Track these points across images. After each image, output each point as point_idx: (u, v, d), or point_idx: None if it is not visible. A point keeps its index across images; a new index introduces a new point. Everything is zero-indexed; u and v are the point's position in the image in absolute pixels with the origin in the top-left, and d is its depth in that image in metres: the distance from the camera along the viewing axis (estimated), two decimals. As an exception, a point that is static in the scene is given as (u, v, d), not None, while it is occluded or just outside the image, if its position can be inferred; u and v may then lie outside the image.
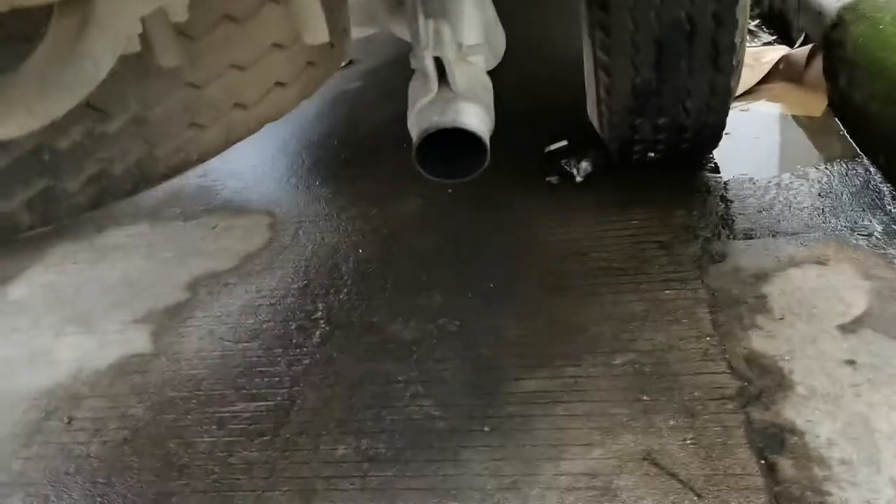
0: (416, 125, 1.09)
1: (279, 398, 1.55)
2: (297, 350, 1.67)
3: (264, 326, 1.77)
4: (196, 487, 1.38)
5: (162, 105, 1.07)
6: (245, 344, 1.73)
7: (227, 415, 1.53)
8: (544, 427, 1.36)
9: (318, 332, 1.71)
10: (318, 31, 1.17)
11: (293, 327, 1.74)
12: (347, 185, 2.32)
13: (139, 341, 1.81)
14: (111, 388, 1.68)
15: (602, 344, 1.51)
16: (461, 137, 1.07)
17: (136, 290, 2.01)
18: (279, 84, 1.27)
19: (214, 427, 1.51)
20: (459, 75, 1.12)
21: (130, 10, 0.82)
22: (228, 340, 1.75)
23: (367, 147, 2.53)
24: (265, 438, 1.46)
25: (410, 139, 1.20)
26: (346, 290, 1.83)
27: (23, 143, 0.94)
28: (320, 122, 2.77)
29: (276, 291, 1.88)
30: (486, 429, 1.38)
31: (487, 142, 1.07)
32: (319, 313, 1.77)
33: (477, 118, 1.07)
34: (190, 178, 2.47)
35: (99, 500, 1.40)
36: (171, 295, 1.95)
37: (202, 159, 1.17)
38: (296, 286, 1.89)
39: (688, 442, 1.27)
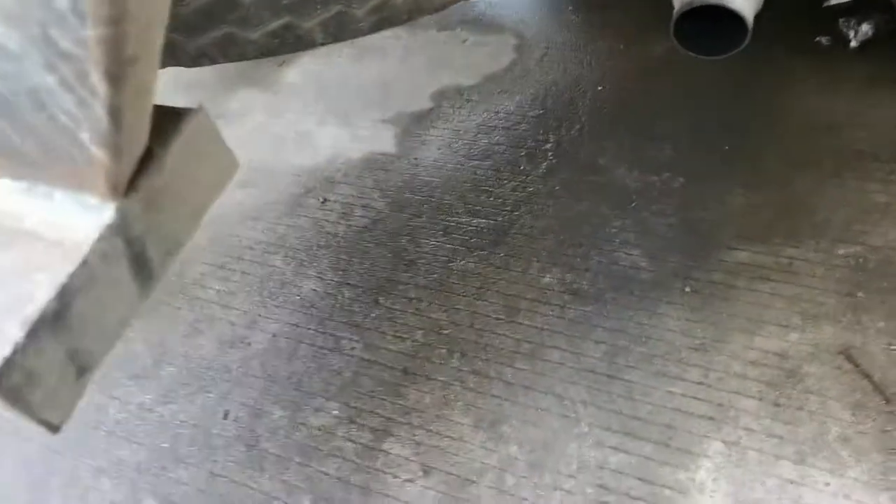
0: (680, -3, 1.06)
1: (499, 219, 1.68)
2: (523, 177, 1.77)
3: (496, 148, 1.88)
4: (419, 282, 1.59)
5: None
6: (477, 161, 1.86)
7: (452, 224, 1.70)
8: (746, 300, 1.39)
9: (544, 164, 1.79)
10: None
11: (522, 154, 1.84)
12: (598, 15, 2.27)
13: (385, 141, 2.01)
14: (359, 178, 1.90)
15: (829, 230, 1.47)
16: (723, 12, 1.03)
17: (388, 91, 2.18)
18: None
19: (440, 233, 1.69)
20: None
21: None
22: (462, 155, 1.89)
23: (627, -26, 2.43)
24: (482, 253, 1.62)
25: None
26: (578, 127, 1.88)
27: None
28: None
29: (513, 116, 1.97)
30: (688, 290, 1.43)
31: (751, 23, 1.02)
32: (549, 145, 1.84)
33: (744, -5, 1.02)
34: (448, -14, 2.53)
35: (341, 273, 1.66)
36: (417, 102, 2.11)
37: (468, -5, 1.23)
38: (532, 114, 1.96)
39: (892, 348, 1.25)
